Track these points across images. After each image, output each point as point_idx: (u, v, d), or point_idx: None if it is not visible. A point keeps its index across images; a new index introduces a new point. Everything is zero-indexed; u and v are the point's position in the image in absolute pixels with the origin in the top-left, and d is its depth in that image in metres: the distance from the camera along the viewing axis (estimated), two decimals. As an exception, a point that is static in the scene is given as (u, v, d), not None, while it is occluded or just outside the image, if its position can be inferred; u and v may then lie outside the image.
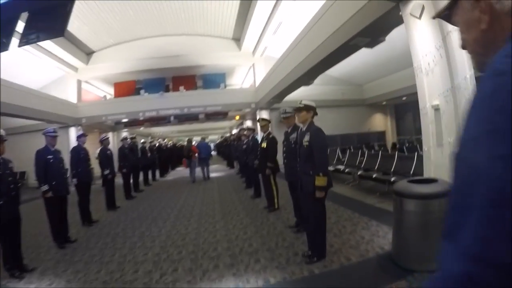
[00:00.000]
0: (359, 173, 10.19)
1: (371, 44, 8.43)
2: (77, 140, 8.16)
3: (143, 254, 5.45)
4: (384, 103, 21.96)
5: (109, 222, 8.14)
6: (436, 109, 4.93)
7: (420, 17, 5.13)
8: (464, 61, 4.84)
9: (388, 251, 4.70)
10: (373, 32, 7.49)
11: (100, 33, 18.26)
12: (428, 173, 5.14)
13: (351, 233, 5.77)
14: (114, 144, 21.32)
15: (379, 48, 9.40)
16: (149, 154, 16.03)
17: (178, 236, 6.38)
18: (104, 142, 9.66)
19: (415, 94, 15.92)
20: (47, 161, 6.15)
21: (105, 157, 9.47)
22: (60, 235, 6.30)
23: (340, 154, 13.50)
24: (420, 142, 17.50)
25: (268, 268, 4.51)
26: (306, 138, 4.59)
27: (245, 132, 11.63)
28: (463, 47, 0.95)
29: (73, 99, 19.92)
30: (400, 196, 4.20)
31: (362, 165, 10.77)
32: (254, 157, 9.46)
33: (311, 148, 4.51)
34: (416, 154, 8.66)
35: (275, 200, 7.93)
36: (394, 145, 18.79)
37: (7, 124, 18.82)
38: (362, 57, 11.10)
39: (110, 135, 22.70)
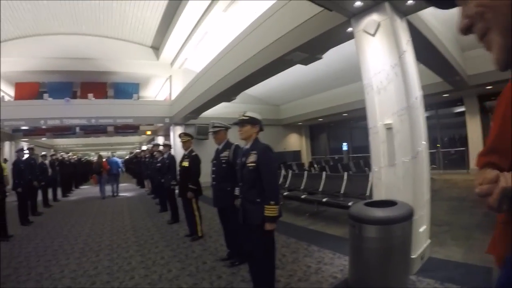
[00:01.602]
0: (285, 193, 9.62)
1: (307, 60, 8.07)
2: None
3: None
4: (300, 123, 22.56)
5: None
6: (388, 128, 4.66)
7: (374, 34, 4.85)
8: (415, 81, 4.84)
9: (343, 280, 4.27)
10: (313, 48, 7.12)
11: (6, 22, 15.51)
12: (378, 194, 4.85)
13: (294, 262, 5.20)
14: (10, 156, 18.93)
15: (297, 71, 9.41)
16: (50, 170, 14.13)
17: (86, 279, 5.13)
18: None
19: (329, 116, 16.55)
20: None
21: None
22: None
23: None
24: (337, 161, 18.20)
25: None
26: (252, 158, 3.78)
27: (159, 148, 10.61)
28: (467, 27, 0.70)
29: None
30: (358, 222, 3.71)
31: (286, 185, 10.32)
32: (171, 177, 8.65)
33: (258, 171, 3.71)
34: (346, 174, 8.61)
35: (198, 228, 7.04)
36: (311, 163, 19.00)
37: None
38: (280, 79, 10.82)
39: (6, 145, 20.29)
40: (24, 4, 14.54)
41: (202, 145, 16.83)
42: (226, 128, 5.43)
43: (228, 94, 11.79)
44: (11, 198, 9.50)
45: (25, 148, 10.54)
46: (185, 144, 7.12)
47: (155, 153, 11.40)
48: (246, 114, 3.93)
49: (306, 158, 23.69)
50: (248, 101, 19.00)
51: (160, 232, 7.99)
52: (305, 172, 10.22)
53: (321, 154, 24.16)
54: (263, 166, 3.69)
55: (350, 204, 7.11)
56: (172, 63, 19.06)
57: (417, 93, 4.80)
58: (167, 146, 9.45)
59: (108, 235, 7.97)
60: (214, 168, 5.43)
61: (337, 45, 6.91)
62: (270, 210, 3.57)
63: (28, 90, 18.89)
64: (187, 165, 6.90)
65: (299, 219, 8.13)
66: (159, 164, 10.16)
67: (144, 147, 28.61)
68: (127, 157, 35.68)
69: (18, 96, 18.84)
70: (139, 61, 18.97)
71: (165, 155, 9.39)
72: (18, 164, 9.81)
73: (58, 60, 17.57)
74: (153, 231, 8.15)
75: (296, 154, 23.75)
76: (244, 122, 3.89)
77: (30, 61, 17.46)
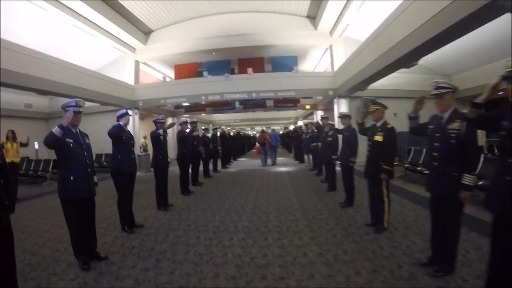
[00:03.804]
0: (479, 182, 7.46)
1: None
2: (117, 120, 6.09)
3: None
4: (476, 97, 18.91)
5: (156, 228, 6.16)
6: None
7: None
8: None
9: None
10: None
11: (159, 11, 16.79)
12: None
13: (480, 261, 4.08)
14: (174, 131, 20.24)
15: (474, 32, 7.36)
16: (211, 143, 14.40)
17: (254, 270, 4.19)
18: (157, 125, 7.68)
19: None
20: (65, 147, 4.18)
21: (157, 143, 7.64)
22: (83, 249, 4.42)
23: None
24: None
25: None
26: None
27: (329, 122, 9.51)
28: None
29: (130, 81, 18.63)
30: None
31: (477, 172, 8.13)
32: (351, 153, 7.32)
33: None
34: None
35: (385, 217, 5.55)
36: (491, 146, 16.07)
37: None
38: (452, 44, 8.52)
39: (169, 120, 22.03)
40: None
41: (368, 119, 15.12)
42: (454, 91, 3.85)
43: (409, 59, 9.77)
44: (173, 168, 9.38)
45: (188, 121, 10.30)
46: (374, 114, 5.68)
47: (324, 126, 10.08)
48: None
49: (480, 139, 20.12)
50: (414, 70, 16.45)
51: (334, 216, 6.74)
52: (482, 155, 8.28)
53: (496, 136, 20.17)
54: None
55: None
56: (331, 32, 17.37)
57: None
58: (346, 117, 7.95)
59: (275, 214, 7.08)
60: (437, 144, 3.92)
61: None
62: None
63: (187, 71, 19.90)
64: (381, 140, 5.48)
65: (479, 211, 6.00)
66: (330, 139, 9.04)
67: (300, 122, 28.14)
68: (280, 132, 35.72)
69: (178, 77, 20.01)
70: (296, 32, 17.83)
71: (345, 127, 7.89)
72: (181, 136, 9.68)
73: (213, 40, 17.83)
74: (325, 214, 6.95)
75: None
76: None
77: (186, 44, 18.25)
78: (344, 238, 5.33)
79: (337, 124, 11.28)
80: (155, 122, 7.76)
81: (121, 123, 5.97)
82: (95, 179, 4.61)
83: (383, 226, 5.58)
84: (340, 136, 8.44)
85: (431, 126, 4.07)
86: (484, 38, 11.67)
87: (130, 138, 6.13)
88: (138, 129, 18.04)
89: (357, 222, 6.24)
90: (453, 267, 3.86)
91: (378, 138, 5.48)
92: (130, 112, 7.21)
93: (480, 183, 6.57)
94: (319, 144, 10.64)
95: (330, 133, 9.21)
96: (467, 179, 3.53)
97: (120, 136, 5.84)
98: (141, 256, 4.73)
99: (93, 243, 4.62)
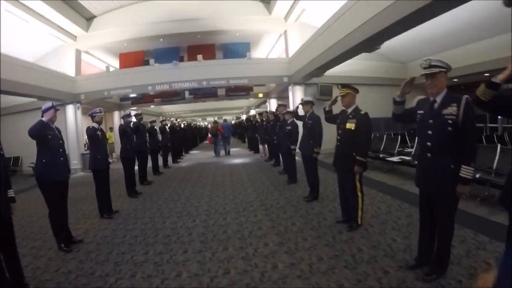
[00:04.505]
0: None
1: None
2: (42, 115, 4.85)
3: None
4: None
5: (98, 244, 5.18)
6: None
7: None
8: None
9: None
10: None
11: None
12: None
13: (468, 256, 3.85)
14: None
15: (428, 24, 7.56)
16: (159, 136, 13.63)
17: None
18: (95, 118, 6.60)
19: (467, 76, 13.02)
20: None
21: (94, 141, 6.64)
22: (8, 284, 3.47)
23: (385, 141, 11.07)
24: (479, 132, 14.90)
25: None
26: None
27: (288, 109, 9.06)
28: None
29: (71, 72, 16.97)
30: None
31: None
32: (315, 143, 6.70)
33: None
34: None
35: (359, 213, 5.01)
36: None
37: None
38: (409, 32, 8.49)
39: (115, 114, 21.12)
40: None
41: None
42: (447, 71, 3.33)
43: (370, 43, 9.40)
44: (117, 165, 8.46)
45: (132, 113, 9.37)
46: (345, 99, 5.03)
47: (285, 115, 9.38)
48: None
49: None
50: (369, 57, 16.15)
51: (300, 214, 6.09)
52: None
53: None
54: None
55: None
56: (286, 17, 16.87)
57: None
58: (309, 104, 7.26)
59: (234, 215, 6.31)
60: (430, 132, 3.38)
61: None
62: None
63: (133, 59, 18.52)
64: (353, 128, 4.86)
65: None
66: (289, 127, 8.47)
67: (253, 111, 27.92)
68: (232, 122, 35.39)
69: (123, 66, 18.56)
70: (249, 17, 17.09)
71: (307, 115, 7.26)
72: (125, 130, 8.80)
73: (161, 25, 16.74)
74: (290, 212, 6.29)
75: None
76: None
77: (131, 29, 16.98)
78: (316, 240, 4.69)
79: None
80: (91, 115, 6.66)
81: (45, 119, 4.78)
82: (10, 194, 3.63)
83: (357, 223, 5.03)
84: (300, 125, 7.75)
85: (420, 112, 3.53)
86: (441, 26, 11.77)
87: (57, 137, 5.04)
88: (80, 125, 16.51)
89: (326, 219, 5.64)
90: (445, 269, 3.47)
91: (350, 126, 4.87)
92: (74, 106, 6.15)
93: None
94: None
95: (289, 121, 8.61)
96: (465, 172, 3.13)
97: (44, 135, 4.76)
98: (78, 285, 3.81)
99: (18, 275, 3.65)
